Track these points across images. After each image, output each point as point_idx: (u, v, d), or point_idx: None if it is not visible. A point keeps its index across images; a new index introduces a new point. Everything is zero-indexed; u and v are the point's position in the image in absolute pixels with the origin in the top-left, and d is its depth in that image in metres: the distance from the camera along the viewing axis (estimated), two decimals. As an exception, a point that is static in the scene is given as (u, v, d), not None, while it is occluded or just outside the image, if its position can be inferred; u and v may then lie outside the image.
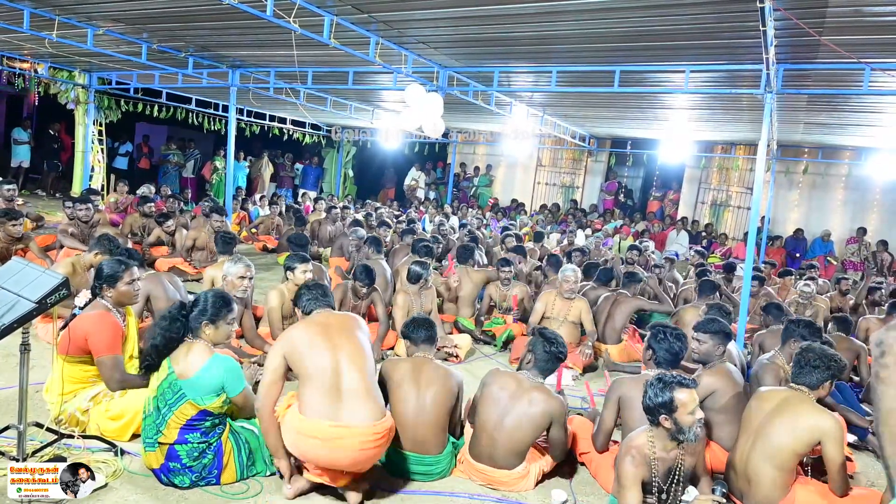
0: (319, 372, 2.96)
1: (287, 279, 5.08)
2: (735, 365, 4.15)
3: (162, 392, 3.02)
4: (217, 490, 3.05)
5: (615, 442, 3.62)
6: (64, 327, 3.23)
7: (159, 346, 3.07)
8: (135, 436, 3.41)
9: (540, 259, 8.92)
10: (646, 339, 3.70)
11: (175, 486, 3.01)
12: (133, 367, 3.59)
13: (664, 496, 2.90)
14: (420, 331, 3.63)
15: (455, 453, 3.53)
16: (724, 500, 2.71)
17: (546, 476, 3.51)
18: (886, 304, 6.74)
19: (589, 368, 5.66)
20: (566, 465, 3.69)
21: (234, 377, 3.08)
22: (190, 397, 2.97)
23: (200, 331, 3.13)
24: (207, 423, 3.04)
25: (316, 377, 2.95)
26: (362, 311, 5.68)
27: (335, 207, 11.07)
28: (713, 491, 2.77)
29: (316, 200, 13.55)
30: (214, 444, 3.06)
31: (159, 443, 3.00)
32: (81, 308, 3.32)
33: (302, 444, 2.92)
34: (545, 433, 3.40)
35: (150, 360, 3.10)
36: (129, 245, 6.41)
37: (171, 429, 2.98)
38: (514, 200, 16.60)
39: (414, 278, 5.65)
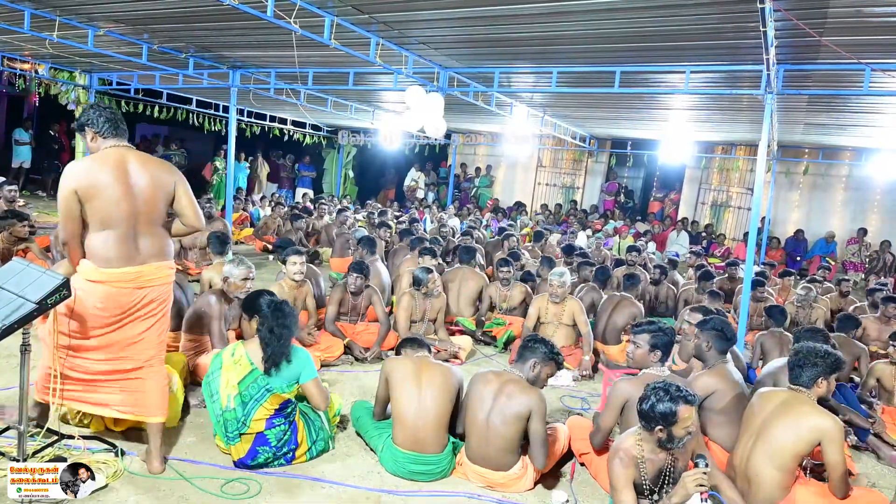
0: (116, 220, 2.91)
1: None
2: (735, 366, 4.16)
3: (246, 387, 3.26)
4: (217, 490, 3.06)
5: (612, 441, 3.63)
6: None
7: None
8: (130, 428, 3.47)
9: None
10: (698, 331, 3.79)
11: (258, 466, 3.28)
12: None
13: (655, 497, 2.90)
14: (410, 344, 3.76)
15: (455, 453, 3.53)
16: (710, 470, 2.67)
17: (545, 476, 3.52)
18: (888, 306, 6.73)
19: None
20: (566, 465, 3.70)
21: (309, 366, 3.38)
22: (276, 390, 3.26)
23: None
24: (288, 409, 3.38)
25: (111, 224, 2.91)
26: (361, 311, 5.69)
27: (344, 210, 11.07)
28: (696, 464, 2.71)
29: (316, 201, 13.54)
30: (292, 423, 3.39)
31: (244, 434, 3.25)
32: None
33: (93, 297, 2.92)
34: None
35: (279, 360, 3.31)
36: None
37: (259, 420, 3.26)
38: (517, 202, 16.59)
39: (415, 283, 5.67)
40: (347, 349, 5.31)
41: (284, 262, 5.34)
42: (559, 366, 3.54)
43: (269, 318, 3.33)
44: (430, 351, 3.78)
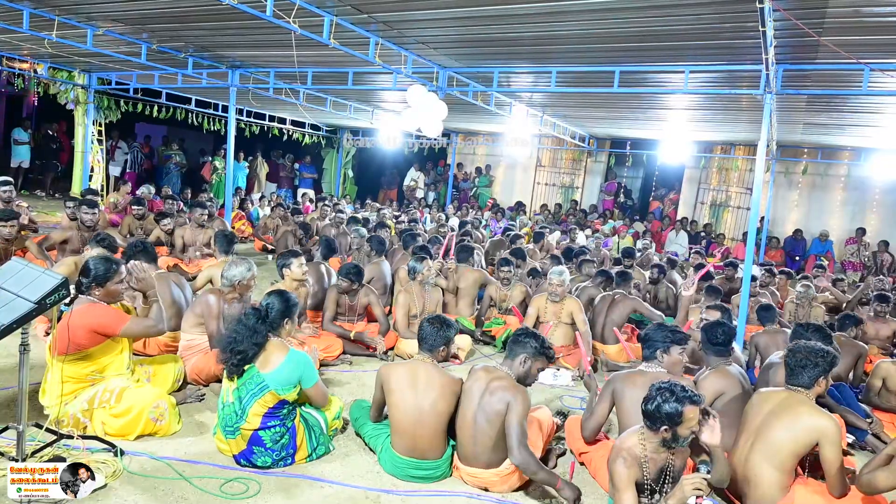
0: None
1: (283, 278, 5.21)
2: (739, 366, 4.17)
3: (244, 382, 3.27)
4: (216, 490, 3.06)
5: (607, 437, 3.63)
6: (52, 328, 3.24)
7: (249, 355, 3.28)
8: (140, 435, 3.45)
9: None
10: (703, 335, 3.88)
11: (256, 466, 3.27)
12: (121, 362, 3.57)
13: (656, 496, 2.91)
14: (424, 332, 3.53)
15: (454, 456, 3.51)
16: (710, 477, 2.67)
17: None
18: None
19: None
20: (564, 465, 3.70)
21: (309, 370, 3.38)
22: (272, 388, 3.24)
23: (281, 328, 3.48)
24: (284, 411, 3.33)
25: None
26: (358, 312, 5.69)
27: (342, 211, 11.06)
28: (698, 469, 2.72)
29: (318, 201, 13.52)
30: (290, 427, 3.37)
31: (242, 429, 3.25)
32: (67, 306, 3.31)
33: None
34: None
35: (237, 368, 3.28)
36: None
37: (254, 416, 3.25)
38: (517, 202, 16.57)
39: (410, 272, 5.71)
40: (354, 341, 5.34)
41: (289, 268, 5.16)
42: (550, 360, 3.48)
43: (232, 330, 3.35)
44: (437, 347, 3.52)
